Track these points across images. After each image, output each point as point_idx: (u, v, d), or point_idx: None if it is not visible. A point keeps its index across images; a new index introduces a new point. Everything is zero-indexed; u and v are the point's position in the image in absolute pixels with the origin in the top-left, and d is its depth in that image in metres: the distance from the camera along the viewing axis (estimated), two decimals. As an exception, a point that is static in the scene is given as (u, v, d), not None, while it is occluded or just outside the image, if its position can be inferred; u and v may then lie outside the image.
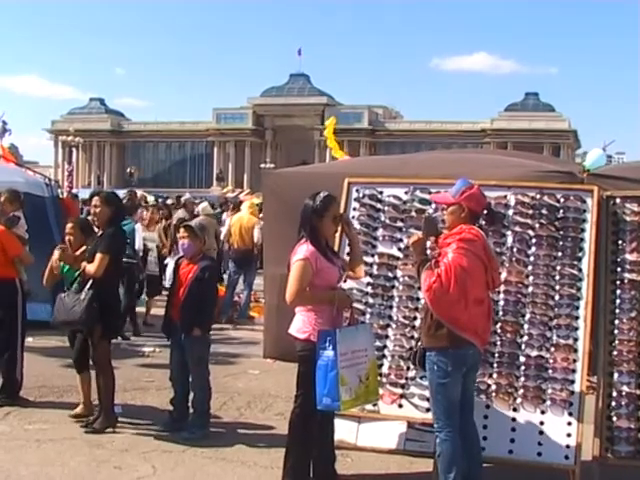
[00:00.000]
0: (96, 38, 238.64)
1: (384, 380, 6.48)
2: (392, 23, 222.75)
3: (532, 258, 6.47)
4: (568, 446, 5.97)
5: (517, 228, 6.54)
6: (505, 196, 6.61)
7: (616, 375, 6.13)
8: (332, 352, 5.66)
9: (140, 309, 13.78)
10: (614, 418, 6.05)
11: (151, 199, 23.99)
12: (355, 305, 6.54)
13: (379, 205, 6.92)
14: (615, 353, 6.17)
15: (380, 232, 6.86)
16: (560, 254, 6.43)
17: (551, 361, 6.22)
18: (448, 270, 5.47)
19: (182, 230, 7.99)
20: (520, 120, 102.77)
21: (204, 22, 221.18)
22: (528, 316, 6.36)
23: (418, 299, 6.44)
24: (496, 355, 6.32)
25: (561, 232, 6.47)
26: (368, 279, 6.72)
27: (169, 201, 24.64)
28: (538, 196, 6.56)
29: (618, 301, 6.27)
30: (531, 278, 6.43)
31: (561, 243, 6.45)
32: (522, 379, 6.24)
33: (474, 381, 5.98)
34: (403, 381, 6.46)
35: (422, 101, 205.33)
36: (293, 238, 6.63)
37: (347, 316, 6.04)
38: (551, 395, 6.14)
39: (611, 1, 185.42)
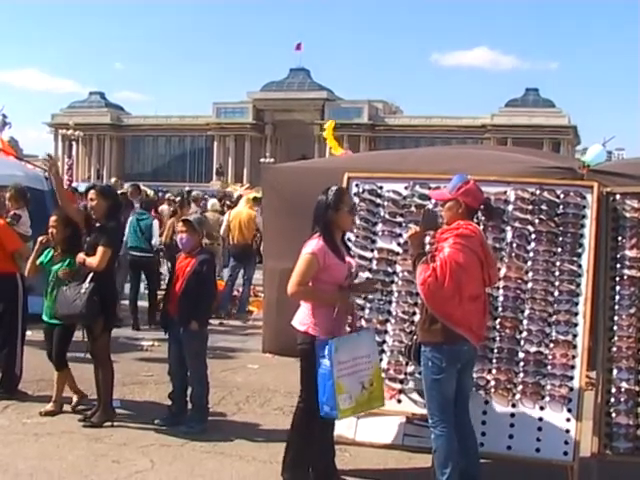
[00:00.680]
0: (96, 33, 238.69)
1: (383, 375, 6.47)
2: (392, 18, 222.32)
3: (531, 254, 6.46)
4: (567, 442, 5.97)
5: (517, 224, 6.53)
6: (505, 192, 6.60)
7: (615, 371, 6.13)
8: (329, 361, 5.68)
9: (142, 303, 13.79)
10: (613, 414, 6.05)
11: (151, 193, 23.99)
12: (354, 300, 6.55)
13: (379, 200, 6.91)
14: (614, 349, 6.16)
15: (380, 227, 6.86)
16: (560, 250, 6.42)
17: (550, 357, 6.22)
18: (443, 265, 5.47)
19: (180, 224, 8.00)
20: (520, 116, 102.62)
21: (204, 16, 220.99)
22: (527, 312, 6.35)
23: (417, 294, 6.40)
24: (495, 351, 6.32)
25: (561, 228, 6.45)
26: (367, 274, 6.71)
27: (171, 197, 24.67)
28: (538, 192, 6.54)
29: (617, 297, 6.26)
30: (530, 274, 6.42)
31: (561, 239, 6.44)
32: (521, 375, 6.24)
33: (470, 377, 5.98)
34: (402, 376, 6.46)
35: (422, 96, 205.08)
36: (293, 233, 6.64)
37: (350, 321, 6.05)
38: (550, 391, 6.14)
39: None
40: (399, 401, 6.44)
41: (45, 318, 8.01)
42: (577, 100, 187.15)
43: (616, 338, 6.18)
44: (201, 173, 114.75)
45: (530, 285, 6.40)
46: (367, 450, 6.76)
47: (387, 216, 6.86)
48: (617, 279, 6.30)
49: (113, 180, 19.37)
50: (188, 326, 7.58)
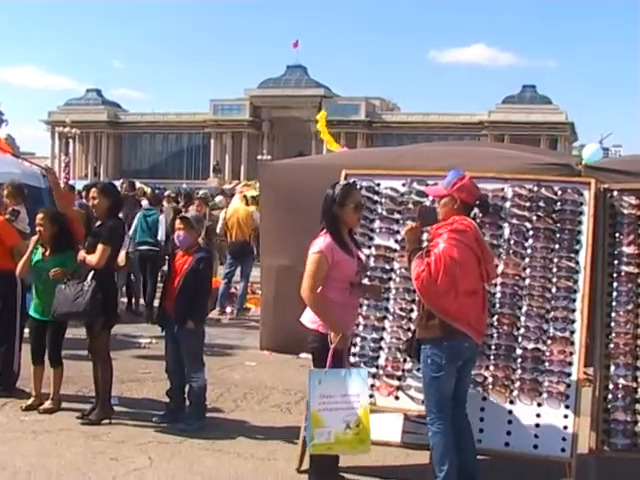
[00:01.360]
0: (93, 30, 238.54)
1: (380, 372, 6.49)
2: (390, 15, 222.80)
3: (529, 250, 6.46)
4: (564, 439, 5.97)
5: (514, 220, 6.53)
6: (502, 188, 6.59)
7: (612, 368, 6.13)
8: (309, 392, 5.68)
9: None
10: (611, 411, 6.04)
11: (148, 190, 23.95)
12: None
13: (376, 197, 6.90)
14: (612, 346, 6.16)
15: (377, 224, 6.85)
16: (557, 247, 6.42)
17: (548, 354, 6.22)
18: (437, 260, 5.47)
19: (178, 222, 8.00)
20: (517, 112, 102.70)
21: (201, 14, 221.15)
22: (525, 308, 6.35)
23: (415, 291, 6.41)
24: (493, 347, 6.32)
25: (558, 225, 6.45)
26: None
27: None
28: (535, 188, 6.54)
29: (615, 294, 6.26)
30: (528, 270, 6.42)
31: (558, 236, 6.44)
32: (519, 372, 6.24)
33: (470, 374, 5.99)
34: (399, 373, 6.46)
35: (419, 93, 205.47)
36: (290, 229, 6.64)
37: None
38: (547, 388, 6.14)
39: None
40: (397, 398, 6.43)
41: (35, 315, 8.02)
42: (574, 97, 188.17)
43: (613, 334, 6.18)
44: (198, 170, 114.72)
45: (528, 282, 6.40)
46: (365, 447, 6.76)
47: (384, 213, 6.86)
48: (614, 275, 6.30)
49: (120, 181, 19.41)
50: (184, 324, 7.58)
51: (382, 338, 6.59)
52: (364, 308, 6.64)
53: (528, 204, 6.53)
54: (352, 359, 6.44)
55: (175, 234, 8.06)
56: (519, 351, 6.28)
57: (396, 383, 6.45)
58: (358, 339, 6.56)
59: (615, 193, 6.46)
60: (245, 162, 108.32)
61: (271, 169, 8.28)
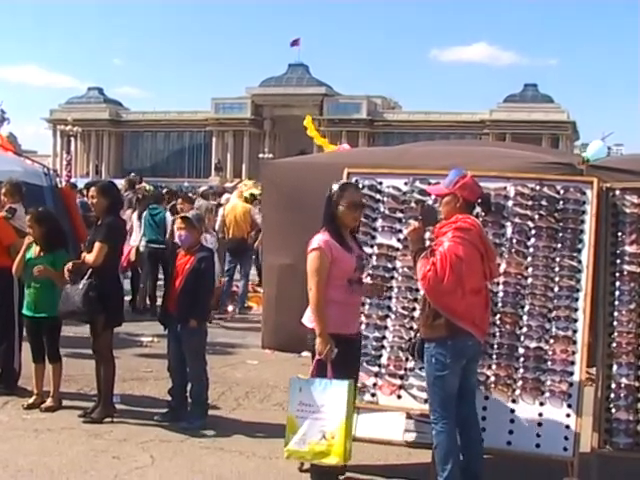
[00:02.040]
0: (94, 29, 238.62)
1: (383, 371, 6.49)
2: (391, 13, 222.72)
3: (531, 249, 6.46)
4: (567, 438, 5.97)
5: (516, 219, 6.52)
6: (505, 187, 6.59)
7: (615, 367, 6.12)
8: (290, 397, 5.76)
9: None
10: (613, 410, 6.04)
11: (150, 189, 23.97)
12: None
13: (378, 196, 6.90)
14: (614, 345, 6.15)
15: (379, 223, 6.84)
16: (559, 246, 6.41)
17: (550, 353, 6.22)
18: (443, 259, 5.47)
19: (179, 221, 8.00)
20: (519, 111, 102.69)
21: (203, 12, 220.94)
22: (527, 307, 6.35)
23: (417, 290, 6.42)
24: (495, 346, 6.31)
25: (561, 224, 6.45)
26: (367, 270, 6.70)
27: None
28: (538, 187, 6.54)
29: (617, 293, 6.25)
30: (530, 269, 6.41)
31: (560, 235, 6.43)
32: (521, 371, 6.24)
33: (474, 372, 5.98)
34: (402, 372, 6.46)
35: (421, 92, 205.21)
36: (292, 228, 6.63)
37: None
38: (550, 387, 6.14)
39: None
40: (399, 397, 6.43)
41: (28, 312, 8.03)
42: (576, 96, 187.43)
43: (616, 334, 6.17)
44: (200, 168, 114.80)
45: (530, 281, 6.39)
46: (367, 446, 6.74)
47: (387, 212, 6.85)
48: (617, 275, 6.29)
49: (132, 175, 19.42)
50: (187, 323, 7.58)
51: (384, 337, 6.58)
52: (366, 307, 6.63)
53: (530, 203, 6.52)
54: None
55: (177, 234, 8.06)
56: (521, 350, 6.27)
57: (398, 382, 6.45)
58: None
59: (617, 192, 6.46)
60: (247, 160, 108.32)
61: (273, 167, 8.28)
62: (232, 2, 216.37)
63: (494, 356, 6.30)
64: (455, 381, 5.66)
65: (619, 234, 6.38)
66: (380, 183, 6.92)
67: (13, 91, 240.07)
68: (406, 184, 6.85)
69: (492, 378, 6.26)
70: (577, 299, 6.26)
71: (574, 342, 6.18)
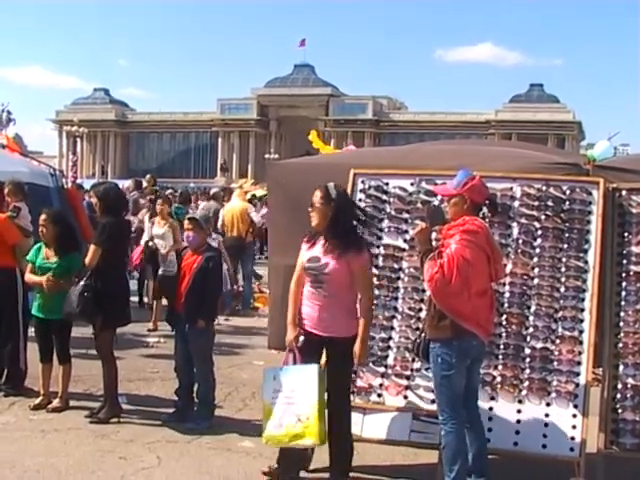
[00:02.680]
0: (99, 29, 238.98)
1: (389, 372, 6.49)
2: (397, 14, 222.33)
3: (538, 250, 6.46)
4: (573, 438, 5.96)
5: (523, 220, 6.52)
6: (511, 188, 6.59)
7: (621, 367, 6.12)
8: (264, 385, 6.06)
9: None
10: (619, 410, 6.04)
11: (157, 189, 24.00)
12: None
13: (385, 196, 6.90)
14: (620, 345, 6.15)
15: (386, 223, 6.85)
16: (566, 246, 6.41)
17: (556, 353, 6.21)
18: (450, 261, 5.46)
19: (186, 222, 8.04)
20: (524, 111, 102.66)
21: (208, 12, 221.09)
22: (533, 308, 6.35)
23: (423, 291, 6.42)
24: (501, 347, 6.31)
25: (567, 224, 6.45)
26: (373, 270, 6.71)
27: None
28: (544, 188, 6.54)
29: (624, 293, 6.25)
30: (537, 270, 6.41)
31: (567, 235, 6.43)
32: (527, 371, 6.23)
33: (478, 373, 5.98)
34: (408, 372, 6.46)
35: (426, 92, 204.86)
36: (298, 228, 6.62)
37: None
38: (556, 387, 6.14)
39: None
40: (405, 397, 6.43)
41: (39, 314, 8.04)
42: (582, 96, 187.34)
43: (622, 334, 6.17)
44: (205, 169, 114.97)
45: (536, 281, 6.39)
46: (373, 446, 6.75)
47: (393, 212, 6.86)
48: (623, 275, 6.29)
49: (148, 176, 19.43)
50: (195, 323, 7.59)
51: (391, 337, 6.59)
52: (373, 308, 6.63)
53: (537, 203, 6.53)
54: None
55: (184, 234, 8.09)
56: (528, 351, 6.27)
57: (405, 382, 6.45)
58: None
59: (624, 192, 6.45)
60: (252, 161, 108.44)
61: (279, 168, 8.29)
62: (237, 2, 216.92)
63: (500, 356, 6.30)
64: (462, 381, 5.67)
65: (625, 234, 6.38)
66: (386, 184, 6.92)
67: (18, 92, 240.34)
68: (412, 185, 6.86)
69: (498, 378, 6.26)
70: (583, 299, 6.26)
71: (580, 342, 6.18)
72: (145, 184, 18.94)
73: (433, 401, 6.03)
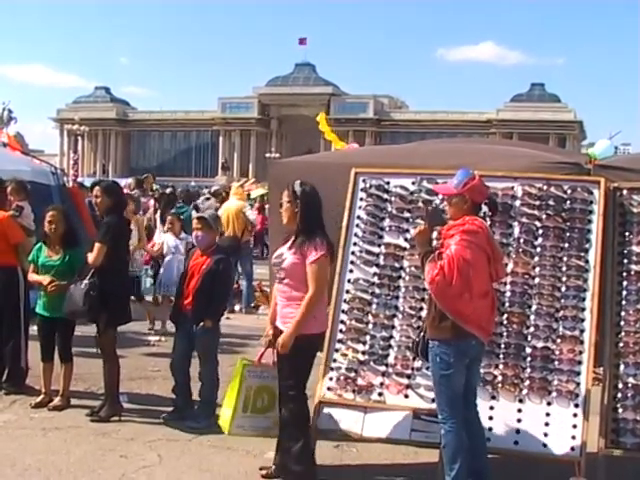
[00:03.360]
0: (100, 28, 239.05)
1: (390, 370, 6.48)
2: (398, 13, 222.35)
3: (539, 249, 6.46)
4: (574, 438, 5.95)
5: (524, 219, 6.52)
6: (512, 187, 6.59)
7: (622, 367, 6.11)
8: None
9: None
10: (620, 410, 6.03)
11: (157, 188, 23.99)
12: (361, 295, 6.60)
13: (386, 195, 6.90)
14: (621, 345, 6.15)
15: (387, 222, 6.85)
16: (567, 245, 6.42)
17: (557, 352, 6.21)
18: (451, 262, 5.45)
19: (195, 221, 8.01)
20: (526, 111, 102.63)
21: (209, 11, 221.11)
22: (534, 307, 6.35)
23: (424, 289, 6.41)
24: (502, 346, 6.31)
25: (568, 223, 6.45)
26: (375, 269, 6.71)
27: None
28: (545, 187, 6.54)
29: (624, 293, 6.25)
30: (537, 269, 6.42)
31: (568, 234, 6.43)
32: (528, 370, 6.23)
33: (478, 372, 5.98)
34: (409, 371, 6.45)
35: (427, 91, 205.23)
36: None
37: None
38: (557, 386, 6.13)
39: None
40: (406, 396, 6.42)
41: (43, 313, 8.03)
42: (583, 95, 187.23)
43: (623, 333, 6.17)
44: (206, 168, 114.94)
45: (537, 280, 6.39)
46: (374, 445, 6.76)
47: (394, 211, 6.86)
48: (624, 274, 6.30)
49: (144, 176, 19.43)
50: (202, 323, 7.59)
51: (392, 336, 6.58)
52: (374, 306, 6.64)
53: (538, 203, 6.53)
54: (361, 357, 6.47)
55: (193, 234, 8.07)
56: (528, 350, 6.27)
57: (405, 381, 6.45)
58: (367, 337, 6.57)
59: (625, 192, 6.46)
60: (253, 160, 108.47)
61: (280, 167, 8.29)
62: (238, 1, 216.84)
63: (501, 356, 6.30)
64: (461, 380, 5.66)
65: (626, 234, 6.38)
66: (387, 183, 6.92)
67: (19, 91, 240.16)
68: (413, 184, 6.86)
69: (499, 378, 6.26)
70: (584, 299, 6.26)
71: (581, 342, 6.18)
72: (145, 185, 18.95)
73: (434, 400, 6.02)
